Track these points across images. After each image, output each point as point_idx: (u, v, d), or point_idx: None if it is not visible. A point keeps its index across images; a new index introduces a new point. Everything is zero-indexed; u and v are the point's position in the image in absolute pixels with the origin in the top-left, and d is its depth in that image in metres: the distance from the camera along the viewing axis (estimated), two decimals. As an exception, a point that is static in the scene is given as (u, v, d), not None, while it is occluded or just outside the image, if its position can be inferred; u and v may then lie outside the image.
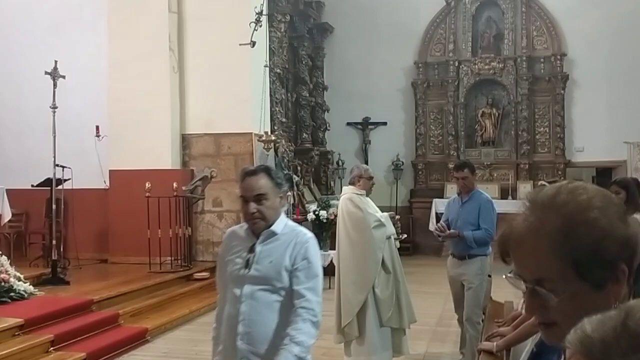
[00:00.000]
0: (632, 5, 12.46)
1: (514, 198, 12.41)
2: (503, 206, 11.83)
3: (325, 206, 9.85)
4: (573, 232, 1.01)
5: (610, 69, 12.63)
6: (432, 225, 12.41)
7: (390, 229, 5.21)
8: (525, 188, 12.56)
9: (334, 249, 9.22)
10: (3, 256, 6.60)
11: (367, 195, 5.22)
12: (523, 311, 3.35)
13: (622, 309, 0.74)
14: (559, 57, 12.98)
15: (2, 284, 6.25)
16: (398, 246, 5.36)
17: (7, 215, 8.04)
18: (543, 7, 13.15)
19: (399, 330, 5.12)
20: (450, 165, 13.29)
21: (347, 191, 5.29)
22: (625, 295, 1.03)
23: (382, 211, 5.32)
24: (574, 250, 1.01)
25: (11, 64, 9.98)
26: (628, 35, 12.44)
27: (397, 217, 5.54)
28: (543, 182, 5.30)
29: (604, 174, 12.58)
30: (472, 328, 4.97)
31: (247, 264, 2.50)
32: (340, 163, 13.75)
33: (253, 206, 2.47)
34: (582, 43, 12.81)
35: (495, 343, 3.09)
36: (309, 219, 9.76)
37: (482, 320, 4.97)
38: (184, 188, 8.77)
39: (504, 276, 1.12)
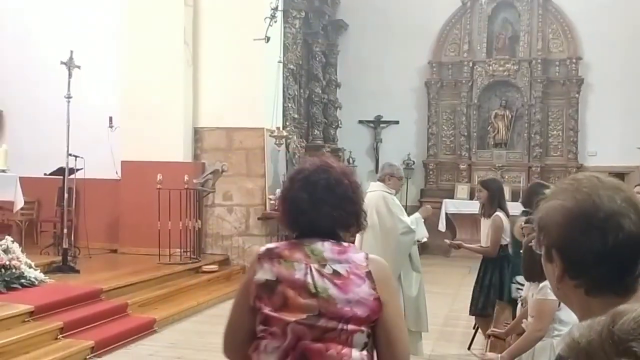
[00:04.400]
0: (650, 10, 12.35)
1: (524, 201, 12.36)
2: (514, 208, 11.88)
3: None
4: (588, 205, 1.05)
5: (625, 74, 12.53)
6: (442, 225, 12.48)
7: (421, 232, 5.11)
8: (536, 191, 12.51)
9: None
10: (15, 243, 6.66)
11: (395, 195, 5.18)
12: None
13: (609, 314, 0.76)
14: (574, 60, 12.89)
15: (13, 270, 6.31)
16: None
17: (20, 203, 8.12)
18: (560, 10, 13.07)
19: (415, 333, 5.10)
20: (462, 166, 13.30)
21: (378, 188, 5.16)
22: None
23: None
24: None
25: (27, 54, 10.05)
26: (645, 40, 12.34)
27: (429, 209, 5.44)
28: None
29: (616, 179, 12.50)
30: None
31: None
32: (351, 161, 13.74)
33: None
34: (599, 47, 12.71)
35: (500, 355, 3.13)
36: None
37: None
38: (195, 181, 8.81)
39: (519, 223, 1.21)
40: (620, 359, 0.69)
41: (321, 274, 1.80)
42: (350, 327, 1.77)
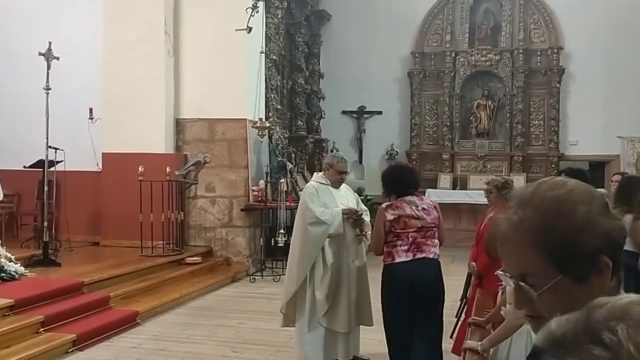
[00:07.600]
0: (630, 0, 12.45)
1: (506, 190, 12.43)
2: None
3: (319, 194, 9.85)
4: (550, 227, 1.03)
5: (606, 64, 12.64)
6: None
7: (335, 228, 4.86)
8: (518, 180, 12.59)
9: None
10: (-6, 237, 6.59)
11: (337, 188, 5.05)
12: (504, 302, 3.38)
13: (587, 306, 0.76)
14: (555, 50, 12.97)
15: (-7, 264, 6.25)
16: (366, 247, 5.11)
17: (-1, 196, 8.02)
18: (541, 0, 13.13)
19: (335, 333, 4.99)
20: (445, 156, 13.37)
21: (313, 179, 5.21)
22: (613, 287, 1.05)
23: (370, 202, 5.28)
24: (552, 244, 1.03)
25: (5, 45, 9.89)
26: (625, 31, 12.45)
27: (361, 212, 5.03)
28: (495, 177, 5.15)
29: (597, 168, 12.63)
30: None
31: None
32: (334, 151, 13.74)
33: None
34: (579, 37, 12.81)
35: (480, 342, 3.14)
36: (302, 207, 9.77)
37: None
38: (177, 173, 8.75)
39: (496, 273, 1.14)
40: (590, 346, 0.70)
41: (417, 209, 4.31)
42: (434, 229, 4.38)
